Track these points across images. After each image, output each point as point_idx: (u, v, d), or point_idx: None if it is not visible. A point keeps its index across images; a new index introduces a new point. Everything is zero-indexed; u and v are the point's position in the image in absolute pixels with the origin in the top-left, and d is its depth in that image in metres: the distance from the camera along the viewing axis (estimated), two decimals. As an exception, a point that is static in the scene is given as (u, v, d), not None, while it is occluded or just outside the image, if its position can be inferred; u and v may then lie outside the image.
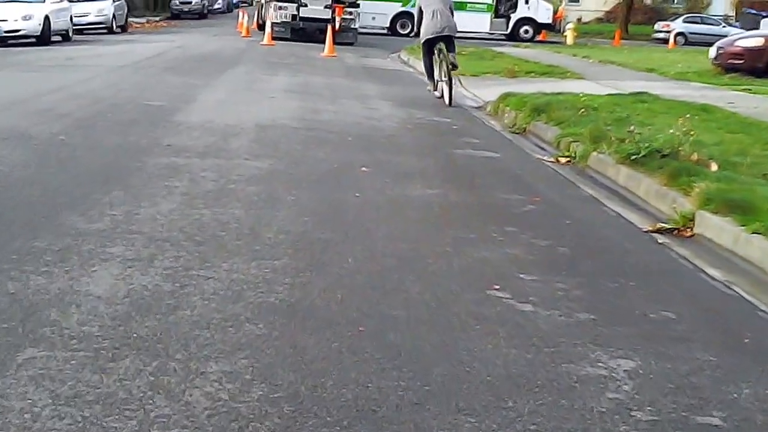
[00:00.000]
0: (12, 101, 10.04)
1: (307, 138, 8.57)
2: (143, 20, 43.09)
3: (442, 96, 12.88)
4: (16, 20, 21.08)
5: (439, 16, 12.72)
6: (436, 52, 12.94)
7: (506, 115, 11.42)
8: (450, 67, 12.58)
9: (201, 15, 50.52)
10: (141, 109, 9.80)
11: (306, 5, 26.99)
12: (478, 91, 14.60)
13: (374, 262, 4.60)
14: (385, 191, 6.38)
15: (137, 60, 16.47)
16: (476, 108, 12.76)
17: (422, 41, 13.14)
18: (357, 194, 6.19)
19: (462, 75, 16.36)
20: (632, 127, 7.95)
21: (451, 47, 12.87)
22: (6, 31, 21.00)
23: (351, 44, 26.40)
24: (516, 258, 4.89)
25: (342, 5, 26.97)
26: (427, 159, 7.98)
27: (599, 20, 57.51)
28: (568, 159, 8.53)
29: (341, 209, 5.73)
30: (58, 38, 23.34)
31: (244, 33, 29.55)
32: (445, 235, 5.29)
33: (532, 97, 11.77)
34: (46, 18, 21.67)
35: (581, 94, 12.10)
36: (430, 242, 5.09)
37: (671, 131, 7.47)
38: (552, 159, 8.54)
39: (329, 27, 23.42)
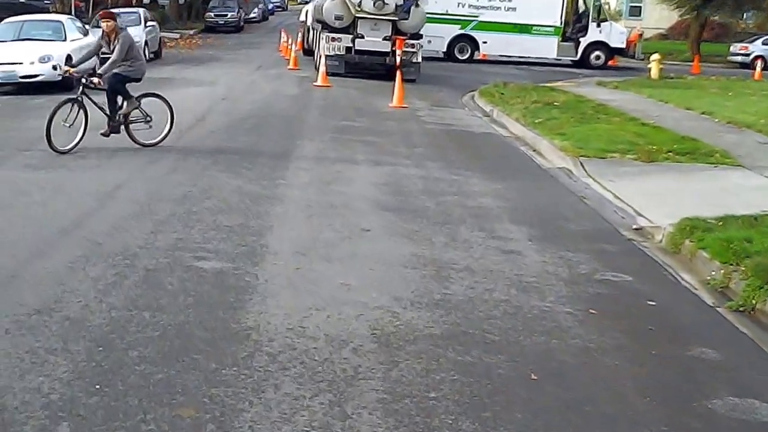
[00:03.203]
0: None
1: (467, 376, 5.17)
2: (176, 35, 40.21)
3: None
4: (32, 63, 17.88)
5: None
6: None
7: (703, 264, 8.00)
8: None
9: (237, 28, 47.42)
10: (190, 289, 6.44)
11: (362, 36, 23.66)
12: (618, 188, 11.27)
13: None
14: None
15: (175, 136, 13.14)
16: (636, 231, 9.34)
17: (131, 80, 11.97)
18: None
19: (585, 157, 13.03)
20: None
21: None
22: (22, 77, 17.78)
23: (413, 81, 23.03)
24: None
25: (403, 37, 23.57)
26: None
27: (663, 36, 53.81)
28: None
29: None
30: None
31: (291, 64, 26.25)
32: None
33: (734, 233, 8.42)
34: (68, 59, 18.35)
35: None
36: None
37: None
38: None
39: (398, 73, 20.01)
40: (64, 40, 19.14)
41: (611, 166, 12.65)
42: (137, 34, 25.90)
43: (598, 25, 35.11)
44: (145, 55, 26.17)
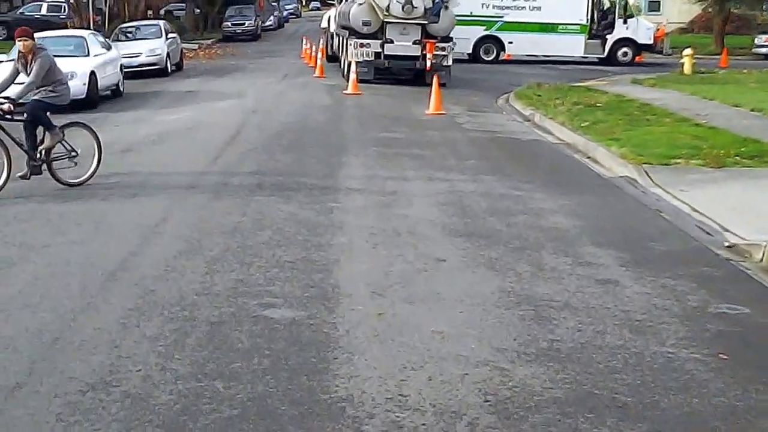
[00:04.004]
0: None
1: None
2: (195, 46, 39.64)
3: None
4: (56, 82, 17.05)
5: None
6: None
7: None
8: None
9: (254, 36, 46.87)
10: (263, 347, 5.59)
11: (392, 41, 22.83)
12: (692, 198, 10.39)
13: None
14: None
15: (212, 156, 12.27)
16: (729, 249, 8.42)
17: (54, 108, 10.37)
18: None
19: (648, 164, 12.14)
20: None
21: None
22: (44, 99, 17.00)
23: (444, 85, 22.14)
24: None
25: (434, 41, 22.74)
26: None
27: (683, 30, 52.77)
28: None
29: None
30: (108, 93, 19.45)
31: (318, 72, 25.46)
32: None
33: None
34: (92, 75, 17.68)
35: None
36: None
37: None
38: None
39: (434, 78, 19.15)
40: (87, 55, 18.39)
41: (678, 174, 11.77)
42: (159, 46, 25.22)
43: (625, 22, 34.41)
44: (167, 68, 25.45)
